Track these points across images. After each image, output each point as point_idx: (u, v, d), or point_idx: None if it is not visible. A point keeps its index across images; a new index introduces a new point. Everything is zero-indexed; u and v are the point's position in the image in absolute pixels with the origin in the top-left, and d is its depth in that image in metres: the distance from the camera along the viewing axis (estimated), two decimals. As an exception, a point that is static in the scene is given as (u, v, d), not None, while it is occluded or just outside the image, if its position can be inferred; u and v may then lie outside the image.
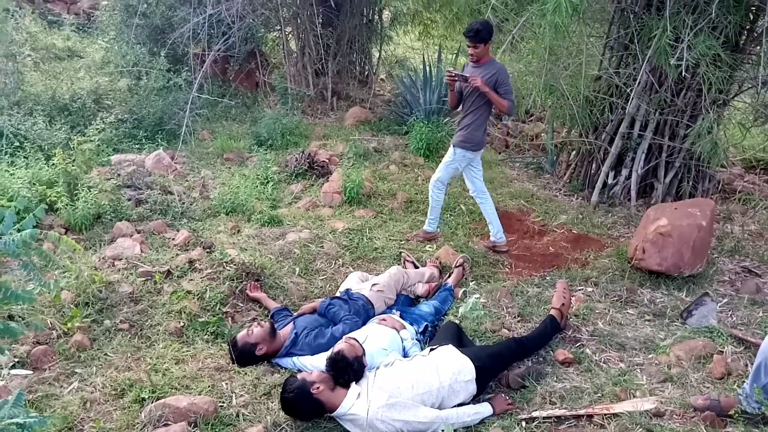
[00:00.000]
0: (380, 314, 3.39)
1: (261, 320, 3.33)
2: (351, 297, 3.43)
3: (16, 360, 2.83)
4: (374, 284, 3.54)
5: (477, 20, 3.89)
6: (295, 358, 3.07)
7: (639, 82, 4.77)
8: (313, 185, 5.31)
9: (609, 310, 3.60)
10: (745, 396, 2.56)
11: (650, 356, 3.14)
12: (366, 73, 8.77)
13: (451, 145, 4.31)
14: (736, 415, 2.48)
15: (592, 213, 5.08)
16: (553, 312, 3.32)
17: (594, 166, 5.48)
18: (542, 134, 6.81)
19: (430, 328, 3.38)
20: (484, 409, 2.75)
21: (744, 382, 2.67)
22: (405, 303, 3.68)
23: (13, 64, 5.85)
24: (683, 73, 4.12)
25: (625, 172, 5.23)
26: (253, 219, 4.53)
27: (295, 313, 3.41)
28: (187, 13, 7.10)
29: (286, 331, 3.15)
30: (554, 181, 5.85)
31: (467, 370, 2.77)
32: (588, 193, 5.40)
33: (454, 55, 8.22)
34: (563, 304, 3.35)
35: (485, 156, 6.35)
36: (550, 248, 4.54)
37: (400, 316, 3.40)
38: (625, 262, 4.09)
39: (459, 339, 3.12)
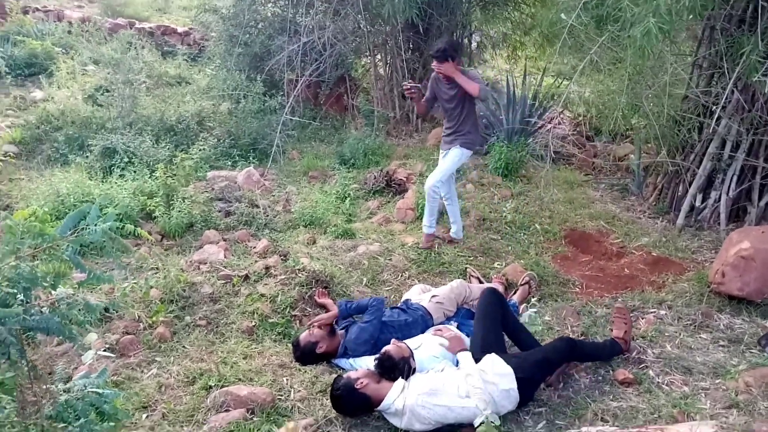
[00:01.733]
0: (438, 324, 3.46)
1: None
2: (409, 307, 3.53)
3: (107, 346, 3.19)
4: (434, 296, 3.62)
5: (442, 40, 4.24)
6: (351, 360, 3.21)
7: (728, 101, 4.55)
8: (389, 202, 5.49)
9: (680, 334, 3.44)
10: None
11: (717, 381, 2.97)
12: (452, 95, 8.89)
13: (458, 146, 4.43)
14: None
15: (677, 236, 4.85)
16: (615, 338, 3.25)
17: (681, 188, 5.24)
18: (629, 155, 6.60)
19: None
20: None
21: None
22: (465, 316, 3.71)
23: (130, 90, 6.57)
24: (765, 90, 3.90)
25: (714, 194, 4.96)
26: (329, 231, 4.77)
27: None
28: (283, 42, 7.64)
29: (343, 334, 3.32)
30: (639, 203, 5.65)
31: (507, 381, 2.77)
32: (674, 216, 5.16)
33: (540, 76, 8.18)
34: (626, 332, 3.25)
35: (568, 176, 6.28)
36: (626, 270, 4.40)
37: (458, 328, 3.45)
38: (704, 286, 3.89)
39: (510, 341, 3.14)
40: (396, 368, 2.79)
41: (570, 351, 3.03)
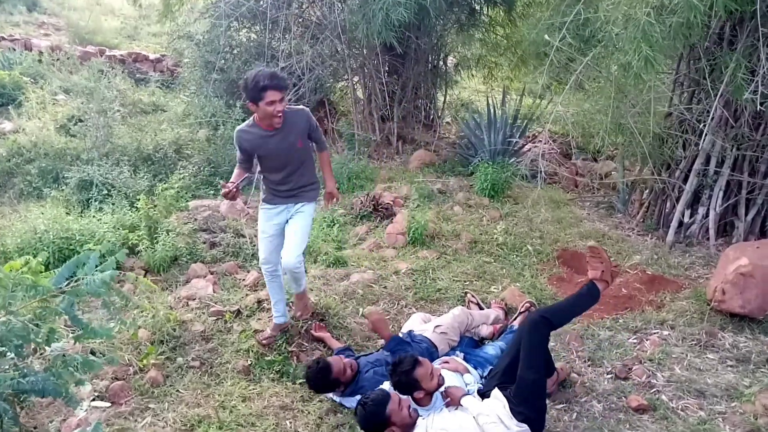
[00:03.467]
0: (444, 356, 3.35)
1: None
2: (414, 339, 3.41)
3: (96, 394, 2.99)
4: (437, 326, 3.51)
5: (275, 72, 3.09)
6: (359, 397, 3.07)
7: (712, 118, 4.60)
8: (377, 227, 5.39)
9: (687, 355, 3.40)
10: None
11: (733, 404, 2.93)
12: (431, 117, 8.92)
13: (309, 202, 3.49)
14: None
15: (668, 253, 4.86)
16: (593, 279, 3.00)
17: (668, 204, 5.27)
18: (613, 173, 6.64)
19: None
20: None
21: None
22: (469, 345, 3.62)
23: (104, 119, 6.37)
24: (758, 108, 3.94)
25: (701, 210, 4.99)
26: (319, 260, 4.64)
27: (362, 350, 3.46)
28: (260, 67, 7.53)
29: (354, 364, 3.17)
30: (627, 221, 5.66)
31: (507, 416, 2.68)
32: (663, 233, 5.18)
33: (519, 97, 8.24)
34: (603, 271, 3.01)
35: (554, 195, 6.28)
36: (623, 290, 4.37)
37: (464, 359, 3.35)
38: (703, 304, 3.87)
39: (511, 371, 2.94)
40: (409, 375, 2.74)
41: (548, 326, 2.80)
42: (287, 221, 3.46)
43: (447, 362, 3.19)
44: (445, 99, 9.10)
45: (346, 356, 3.38)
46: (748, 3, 3.94)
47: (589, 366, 3.39)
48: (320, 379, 2.99)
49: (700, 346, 3.50)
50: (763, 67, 4.06)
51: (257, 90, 3.01)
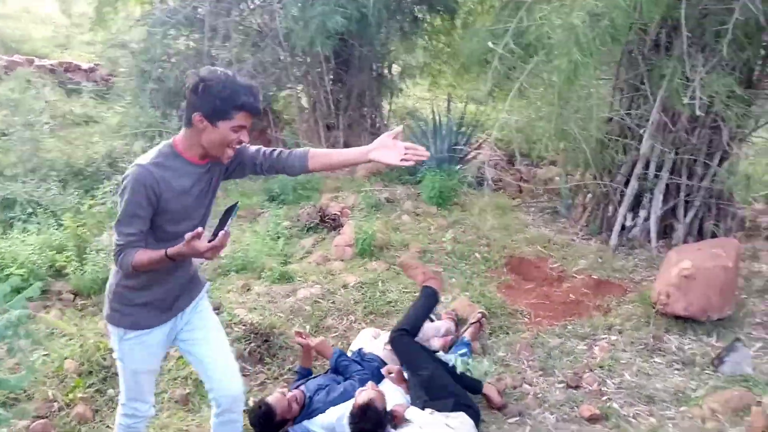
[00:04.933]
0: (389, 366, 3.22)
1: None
2: (364, 358, 3.29)
3: (16, 436, 2.73)
4: (387, 342, 3.39)
5: (255, 86, 2.11)
6: (305, 422, 2.92)
7: (651, 123, 4.70)
8: (324, 239, 5.25)
9: (635, 360, 3.41)
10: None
11: (682, 409, 2.94)
12: (377, 125, 8.85)
13: (203, 293, 2.45)
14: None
15: (612, 257, 4.92)
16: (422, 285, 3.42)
17: (611, 208, 5.35)
18: (556, 178, 6.72)
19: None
20: None
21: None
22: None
23: (30, 132, 5.99)
24: (696, 112, 4.03)
25: (643, 213, 5.09)
26: (264, 276, 4.45)
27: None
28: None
29: (299, 395, 3.01)
30: (571, 225, 5.72)
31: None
32: (606, 237, 5.25)
33: (464, 104, 8.28)
34: (423, 273, 3.52)
35: (499, 202, 6.29)
36: (571, 295, 4.38)
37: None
38: (649, 307, 3.91)
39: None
40: (380, 421, 2.56)
41: (408, 334, 3.11)
42: (180, 339, 2.35)
43: (391, 372, 3.08)
44: (390, 107, 9.06)
45: (299, 377, 3.22)
46: (671, 8, 4.03)
47: (540, 376, 3.35)
48: (264, 424, 2.80)
49: (648, 350, 3.52)
50: (699, 73, 4.17)
51: (229, 104, 2.01)
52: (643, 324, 3.78)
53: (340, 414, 2.74)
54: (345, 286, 4.33)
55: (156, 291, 2.18)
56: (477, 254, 5.00)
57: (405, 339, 3.10)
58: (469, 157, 7.21)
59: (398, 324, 3.26)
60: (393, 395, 2.93)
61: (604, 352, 3.48)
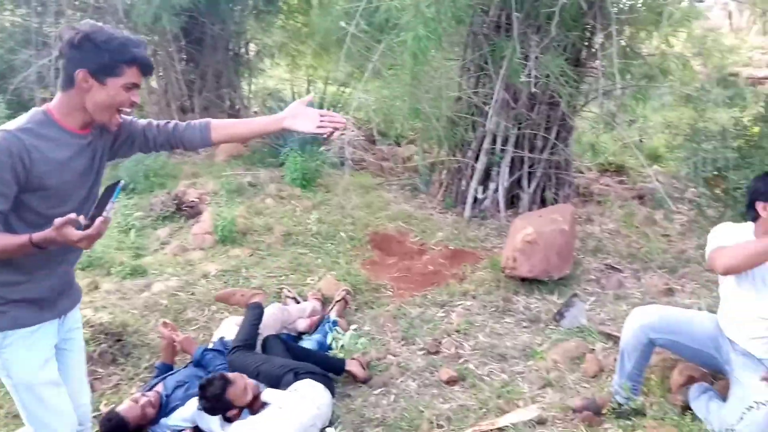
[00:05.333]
0: None
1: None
2: (227, 347, 3.20)
3: None
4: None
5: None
6: (163, 420, 2.79)
7: (495, 100, 5.00)
8: (182, 228, 5.01)
9: (488, 322, 3.67)
10: (615, 391, 2.68)
11: (529, 363, 3.21)
12: (236, 106, 8.57)
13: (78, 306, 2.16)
14: (608, 412, 2.57)
15: (466, 228, 5.21)
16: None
17: (464, 182, 5.65)
18: (414, 156, 6.96)
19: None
20: None
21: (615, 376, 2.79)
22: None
23: None
24: (532, 90, 4.36)
25: (492, 185, 5.44)
26: (113, 272, 4.15)
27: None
28: (30, 56, 6.58)
29: (154, 397, 2.86)
30: (429, 201, 5.96)
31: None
32: (461, 209, 5.54)
33: (324, 85, 8.26)
34: (242, 296, 3.63)
35: (363, 181, 6.39)
36: (429, 266, 4.58)
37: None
38: (499, 272, 4.20)
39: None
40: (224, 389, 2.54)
41: (243, 348, 3.07)
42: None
43: None
44: (250, 88, 8.80)
45: (145, 389, 3.03)
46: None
47: (403, 345, 3.49)
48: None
49: (499, 311, 3.79)
50: (535, 53, 4.51)
51: (119, 57, 1.77)
52: (495, 288, 4.06)
53: (197, 404, 2.66)
54: (206, 276, 4.17)
55: (35, 287, 1.87)
56: (342, 233, 5.05)
57: (237, 356, 3.02)
58: (332, 137, 7.22)
59: (231, 344, 3.17)
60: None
61: (460, 317, 3.70)
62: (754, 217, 2.42)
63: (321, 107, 7.14)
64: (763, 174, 2.48)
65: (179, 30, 6.58)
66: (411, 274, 4.50)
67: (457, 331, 3.56)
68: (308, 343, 3.44)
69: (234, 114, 8.36)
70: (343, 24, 4.65)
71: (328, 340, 3.45)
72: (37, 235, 1.68)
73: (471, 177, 5.50)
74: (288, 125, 2.05)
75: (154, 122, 2.06)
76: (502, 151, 5.35)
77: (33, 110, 1.85)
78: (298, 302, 3.93)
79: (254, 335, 3.20)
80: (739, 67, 9.80)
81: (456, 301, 3.97)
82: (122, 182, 1.82)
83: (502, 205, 5.37)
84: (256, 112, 9.13)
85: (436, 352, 3.38)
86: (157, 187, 5.80)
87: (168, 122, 2.08)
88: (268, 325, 3.41)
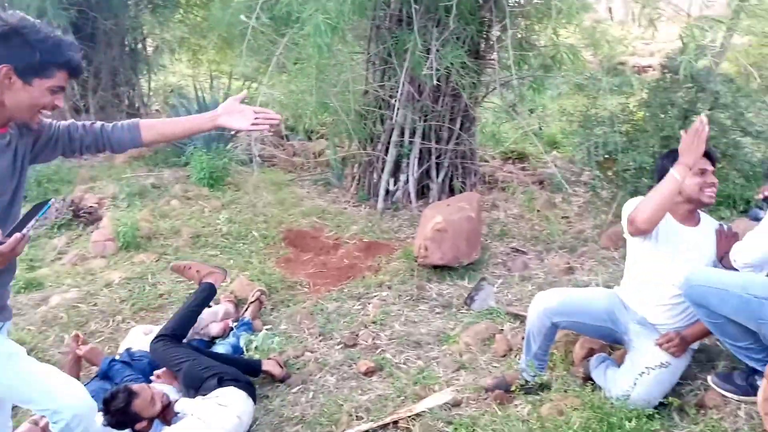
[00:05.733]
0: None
1: None
2: (134, 357, 3.07)
3: None
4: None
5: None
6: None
7: (401, 93, 5.07)
8: (80, 236, 4.73)
9: (403, 311, 3.74)
10: (523, 369, 2.82)
11: (443, 348, 3.31)
12: (136, 105, 8.18)
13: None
14: (517, 389, 2.70)
15: (380, 220, 5.27)
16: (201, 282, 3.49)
17: (375, 175, 5.71)
18: (326, 150, 6.94)
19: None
20: None
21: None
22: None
23: None
24: (435, 82, 4.46)
25: (403, 177, 5.53)
26: (5, 287, 3.86)
27: None
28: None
29: None
30: (342, 195, 5.98)
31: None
32: (374, 202, 5.60)
33: (228, 80, 8.05)
34: (197, 271, 3.58)
35: (274, 178, 6.30)
36: (345, 260, 4.59)
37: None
38: (412, 261, 4.28)
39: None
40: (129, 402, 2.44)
41: (169, 339, 3.00)
42: None
43: (159, 376, 2.94)
44: (150, 85, 8.42)
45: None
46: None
47: (321, 341, 3.48)
48: None
49: (413, 300, 3.87)
50: (435, 45, 4.61)
51: (52, 59, 1.68)
52: (409, 277, 4.14)
53: (101, 419, 2.54)
54: (108, 285, 3.97)
55: None
56: (254, 232, 4.96)
57: (159, 346, 2.95)
58: (240, 134, 7.06)
59: (163, 328, 3.09)
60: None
61: (376, 308, 3.74)
62: None
63: (226, 103, 6.96)
64: (668, 152, 2.68)
65: (68, 25, 6.17)
66: (327, 269, 4.49)
67: (374, 323, 3.60)
68: (222, 347, 3.35)
69: (133, 113, 7.97)
70: (243, 17, 4.54)
71: (241, 343, 3.40)
72: None
73: (382, 170, 5.57)
74: (222, 122, 2.04)
75: (78, 123, 1.97)
76: (411, 143, 5.44)
77: None
78: (209, 306, 3.82)
79: (187, 324, 3.09)
80: (626, 56, 10.53)
81: (372, 293, 4.01)
82: (53, 200, 1.78)
83: (413, 196, 5.47)
84: (157, 110, 8.76)
85: (354, 345, 3.40)
86: (51, 193, 5.45)
87: (94, 123, 1.99)
88: (178, 333, 3.30)
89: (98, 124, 1.99)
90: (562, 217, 5.17)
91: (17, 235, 1.57)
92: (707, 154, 2.53)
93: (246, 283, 4.05)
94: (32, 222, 1.62)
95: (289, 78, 5.69)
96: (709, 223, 2.70)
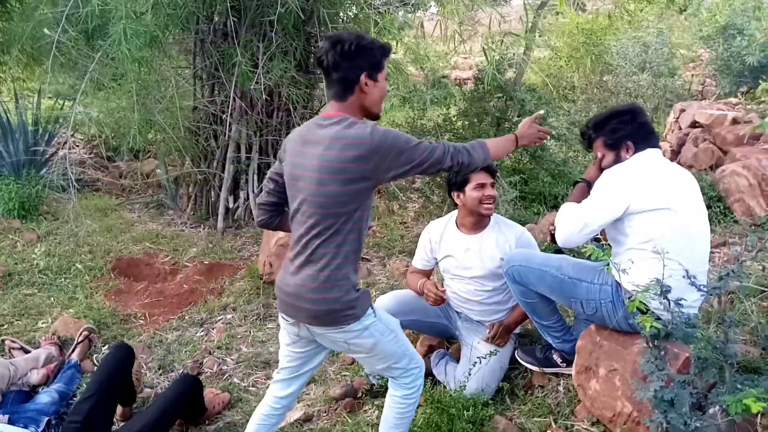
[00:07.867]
0: None
1: None
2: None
3: None
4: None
5: None
6: None
7: (233, 108, 4.96)
8: None
9: (250, 332, 3.64)
10: (368, 372, 2.89)
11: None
12: None
13: None
14: (364, 394, 2.77)
15: (221, 240, 5.10)
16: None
17: (213, 193, 5.52)
18: (157, 170, 6.56)
19: (54, 421, 2.85)
20: None
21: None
22: (16, 400, 2.99)
23: None
24: (265, 96, 4.43)
25: (243, 194, 5.41)
26: None
27: None
28: None
29: None
30: (178, 216, 5.69)
31: None
32: (213, 221, 5.41)
33: (37, 99, 7.25)
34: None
35: (99, 203, 5.79)
36: (185, 286, 4.37)
37: (9, 421, 2.77)
38: (257, 279, 4.20)
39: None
40: None
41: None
42: None
43: None
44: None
45: None
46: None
47: (161, 374, 3.27)
48: None
49: (260, 319, 3.80)
50: (262, 60, 4.58)
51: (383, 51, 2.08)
52: (255, 296, 4.05)
53: None
54: None
55: None
56: (78, 264, 4.53)
57: None
58: (56, 158, 6.39)
59: None
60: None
61: (220, 332, 3.61)
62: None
63: (36, 124, 6.28)
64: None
65: None
66: (164, 298, 4.23)
67: (219, 348, 3.47)
68: (45, 397, 2.99)
69: None
70: (46, 31, 4.14)
71: (74, 387, 3.08)
72: None
73: (220, 187, 5.40)
74: None
75: None
76: (248, 158, 5.34)
77: None
78: (27, 352, 3.41)
79: None
80: (449, 70, 11.32)
81: (216, 317, 3.86)
82: None
83: (254, 212, 5.37)
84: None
85: (199, 374, 3.24)
86: None
87: None
88: (-10, 388, 2.90)
89: None
90: (401, 223, 5.40)
91: None
92: (487, 169, 2.72)
93: (71, 322, 3.67)
94: None
95: (107, 95, 5.30)
96: (499, 230, 2.86)
